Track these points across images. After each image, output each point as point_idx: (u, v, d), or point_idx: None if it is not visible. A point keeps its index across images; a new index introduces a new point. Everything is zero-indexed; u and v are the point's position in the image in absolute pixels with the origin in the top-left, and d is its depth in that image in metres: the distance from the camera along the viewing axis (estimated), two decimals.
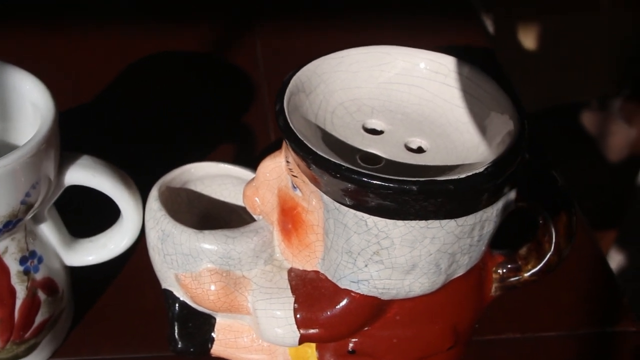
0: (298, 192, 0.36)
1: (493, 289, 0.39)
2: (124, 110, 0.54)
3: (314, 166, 0.33)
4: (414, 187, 0.32)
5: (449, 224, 0.34)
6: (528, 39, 0.91)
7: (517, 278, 0.39)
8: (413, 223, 0.34)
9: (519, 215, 0.38)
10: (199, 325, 0.39)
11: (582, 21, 0.93)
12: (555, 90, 0.98)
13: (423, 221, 0.34)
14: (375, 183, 0.32)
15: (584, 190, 1.05)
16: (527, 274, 0.39)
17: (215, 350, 0.40)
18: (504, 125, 0.36)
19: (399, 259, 0.35)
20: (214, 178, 0.41)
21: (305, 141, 0.34)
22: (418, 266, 0.35)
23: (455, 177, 0.33)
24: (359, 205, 0.33)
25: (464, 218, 0.34)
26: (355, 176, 0.32)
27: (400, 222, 0.34)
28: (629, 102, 1.00)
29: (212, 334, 0.39)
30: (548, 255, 0.38)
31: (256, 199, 0.38)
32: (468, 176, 0.33)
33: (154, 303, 0.41)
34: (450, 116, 0.38)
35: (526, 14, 0.89)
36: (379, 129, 0.38)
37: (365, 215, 0.34)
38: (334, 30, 0.62)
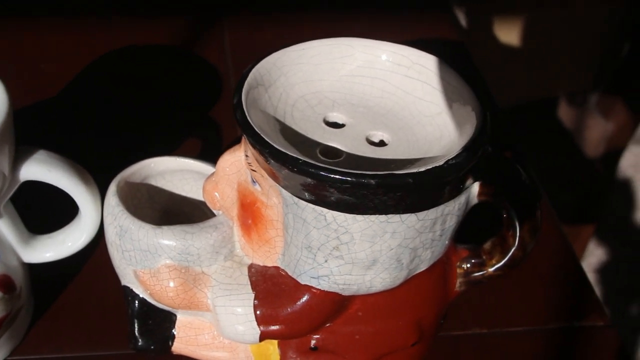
0: (257, 186, 0.35)
1: (458, 284, 0.39)
2: (84, 104, 0.54)
3: (271, 160, 0.33)
4: (373, 181, 0.32)
5: (410, 218, 0.34)
6: (504, 34, 0.91)
7: (481, 273, 0.39)
8: (373, 217, 0.33)
9: (485, 210, 0.38)
10: (159, 323, 0.39)
11: (558, 15, 0.92)
12: (532, 85, 0.98)
13: (383, 215, 0.33)
14: (333, 177, 0.32)
15: (561, 185, 1.05)
16: (491, 269, 0.38)
17: (176, 347, 0.39)
18: (466, 117, 0.35)
19: (359, 254, 0.34)
20: (174, 173, 0.40)
21: (262, 135, 0.33)
22: (379, 261, 0.34)
23: (415, 170, 0.32)
24: (318, 199, 0.33)
25: (425, 212, 0.34)
26: (313, 170, 0.32)
27: (359, 217, 0.33)
28: (605, 97, 1.00)
29: (173, 331, 0.39)
30: (512, 250, 0.38)
31: (216, 193, 0.37)
32: (427, 169, 0.32)
33: (115, 300, 0.40)
34: (413, 109, 0.37)
35: (501, 9, 0.89)
36: (340, 122, 0.37)
37: (324, 210, 0.33)
38: (304, 23, 0.62)
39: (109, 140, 0.52)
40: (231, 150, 0.37)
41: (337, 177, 0.32)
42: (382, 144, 0.36)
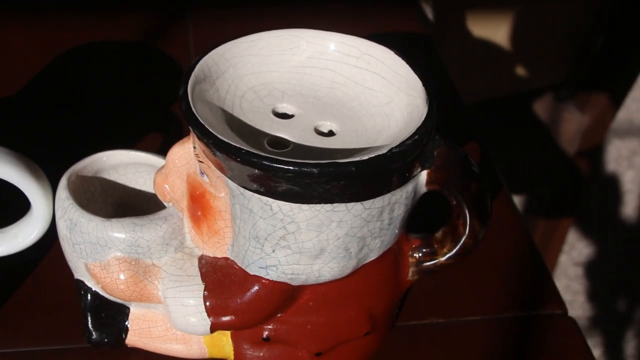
0: (205, 178, 0.35)
1: (410, 274, 0.39)
2: (37, 98, 0.54)
3: (215, 150, 0.33)
4: (315, 170, 0.32)
5: (356, 207, 0.34)
6: (477, 28, 0.91)
7: (433, 262, 0.39)
8: (318, 207, 0.33)
9: (437, 199, 0.38)
10: (112, 315, 0.39)
11: (532, 8, 0.92)
12: (506, 79, 0.98)
13: (328, 204, 0.33)
14: (276, 167, 0.32)
15: (538, 179, 1.05)
16: (443, 258, 0.39)
17: (130, 340, 0.39)
18: (414, 107, 0.36)
19: (306, 244, 0.34)
20: (128, 166, 0.40)
21: (206, 125, 0.33)
22: (326, 250, 0.34)
23: (357, 159, 0.32)
24: (263, 189, 0.33)
25: (371, 201, 0.34)
26: (256, 160, 0.32)
27: (305, 206, 0.33)
28: (581, 90, 1.00)
29: (126, 323, 0.39)
30: (463, 239, 0.38)
31: (166, 186, 0.37)
32: (370, 158, 0.32)
33: (69, 294, 0.40)
34: (362, 99, 0.38)
35: (474, 2, 0.89)
36: (289, 113, 0.37)
37: (270, 200, 0.33)
38: (269, 18, 0.62)
39: (61, 134, 0.51)
40: (180, 142, 0.37)
41: (280, 166, 0.32)
42: (330, 134, 0.36)
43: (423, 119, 0.34)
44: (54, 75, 0.56)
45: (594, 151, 1.03)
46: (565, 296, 1.35)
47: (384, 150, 0.33)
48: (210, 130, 0.33)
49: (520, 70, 0.97)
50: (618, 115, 1.64)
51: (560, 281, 1.37)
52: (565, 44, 0.98)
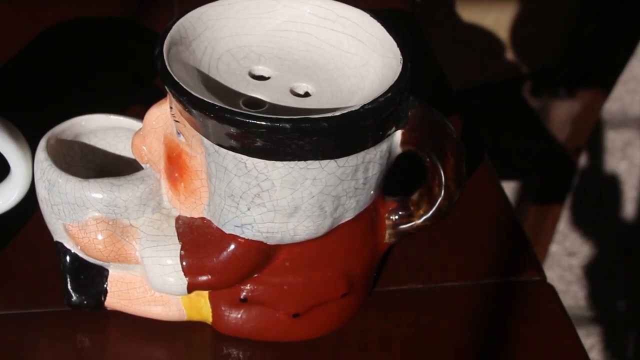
0: (182, 137, 0.36)
1: (387, 236, 0.39)
2: (18, 63, 0.54)
3: (189, 107, 0.33)
4: (288, 126, 0.32)
5: (330, 165, 0.34)
6: (467, 13, 0.91)
7: (410, 224, 0.39)
8: (292, 164, 0.33)
9: (416, 164, 0.38)
10: (91, 278, 0.39)
11: None
12: (496, 64, 0.98)
13: (302, 162, 0.33)
14: (248, 122, 0.32)
15: (527, 165, 1.06)
16: (419, 220, 0.39)
17: (109, 302, 0.39)
18: (389, 68, 0.36)
19: (281, 202, 0.34)
20: (107, 131, 0.40)
21: (180, 82, 0.33)
22: (301, 209, 0.35)
23: (330, 115, 0.32)
24: (237, 147, 0.33)
25: (344, 159, 0.34)
26: (228, 116, 0.32)
27: (279, 163, 0.33)
28: (571, 75, 1.00)
29: (105, 285, 0.39)
30: (439, 200, 0.38)
31: (143, 147, 0.38)
32: (343, 114, 0.33)
33: (50, 258, 0.40)
34: (338, 61, 0.38)
35: None
36: (266, 75, 0.38)
37: (244, 157, 0.34)
38: None
39: (41, 98, 0.52)
40: (158, 104, 0.37)
41: (253, 122, 0.32)
42: (306, 95, 0.37)
43: (396, 78, 0.34)
44: (37, 43, 0.56)
45: (585, 138, 1.03)
46: (559, 286, 1.35)
47: (357, 107, 0.33)
48: (185, 87, 0.33)
49: (510, 56, 0.97)
50: (612, 106, 1.65)
51: (554, 271, 1.37)
52: (556, 29, 0.98)
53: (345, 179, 0.35)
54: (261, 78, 0.37)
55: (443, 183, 0.37)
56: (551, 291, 0.44)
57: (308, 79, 0.37)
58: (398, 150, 0.36)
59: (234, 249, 0.36)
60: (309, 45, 0.38)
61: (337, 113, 0.33)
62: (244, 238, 0.36)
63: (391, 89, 0.34)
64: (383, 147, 0.35)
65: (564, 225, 1.43)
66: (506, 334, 0.42)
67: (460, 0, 0.90)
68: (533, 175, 1.08)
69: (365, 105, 0.33)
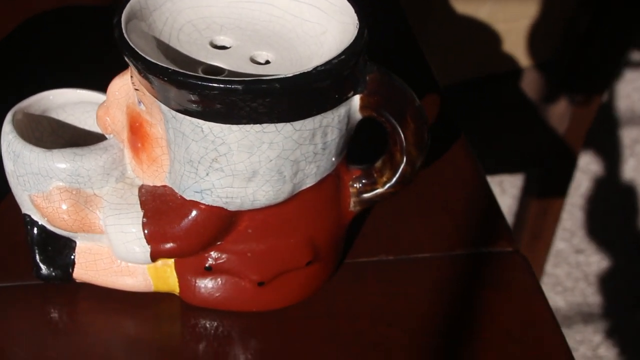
0: (142, 106, 0.36)
1: (352, 204, 0.39)
2: None
3: (144, 72, 0.33)
4: (240, 87, 0.32)
5: (286, 128, 0.34)
6: (463, 5, 0.91)
7: (374, 192, 0.39)
8: (248, 127, 0.34)
9: (383, 133, 0.38)
10: (59, 249, 0.39)
11: None
12: (492, 58, 0.98)
13: (257, 125, 0.34)
14: (201, 84, 0.32)
15: (527, 159, 1.05)
16: (383, 188, 0.39)
17: (77, 274, 0.40)
18: (347, 33, 0.36)
19: (238, 166, 0.35)
20: (76, 105, 0.41)
21: (136, 48, 0.34)
22: (259, 173, 0.35)
23: (282, 76, 0.33)
24: (193, 111, 0.34)
25: (301, 122, 0.34)
26: (182, 79, 0.33)
27: (234, 127, 0.34)
28: (569, 68, 1.00)
29: (73, 257, 0.39)
30: (401, 166, 0.38)
31: (107, 118, 0.38)
32: (295, 75, 0.33)
33: (21, 232, 0.41)
34: (299, 30, 0.38)
35: None
36: (227, 45, 0.38)
37: (201, 122, 0.34)
38: None
39: (8, 73, 0.52)
40: (120, 75, 0.38)
41: (206, 84, 0.32)
42: (266, 63, 0.37)
43: (351, 42, 0.35)
44: (5, 18, 0.56)
45: (585, 129, 1.03)
46: (567, 283, 1.35)
47: (309, 68, 0.33)
48: (140, 53, 0.33)
49: (507, 48, 0.97)
50: (620, 104, 1.64)
51: (561, 268, 1.37)
52: (553, 21, 0.98)
53: (303, 143, 0.35)
54: (222, 48, 0.38)
55: (404, 148, 0.37)
56: (523, 261, 0.44)
57: (269, 48, 0.37)
58: (357, 115, 0.37)
59: (195, 215, 0.36)
60: (270, 15, 0.39)
61: (290, 74, 0.33)
62: (204, 204, 0.36)
63: (345, 51, 0.34)
64: (341, 111, 0.36)
65: (571, 223, 1.42)
66: (477, 303, 0.42)
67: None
68: (534, 168, 1.08)
69: (318, 67, 0.33)
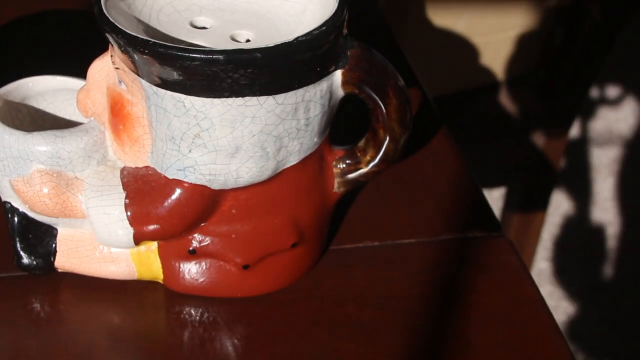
0: (123, 85, 0.36)
1: (336, 185, 0.39)
2: None
3: (125, 46, 0.33)
4: (221, 57, 0.32)
5: (268, 102, 0.34)
6: (440, 18, 0.92)
7: (358, 171, 0.39)
8: (230, 101, 0.34)
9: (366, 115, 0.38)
10: (40, 237, 0.39)
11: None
12: (471, 71, 0.99)
13: (240, 98, 0.34)
14: (182, 55, 0.32)
15: (507, 172, 1.06)
16: (367, 167, 0.39)
17: (59, 262, 0.39)
18: (327, 9, 0.36)
19: (221, 141, 0.34)
20: (56, 93, 0.41)
21: (116, 23, 0.34)
22: (242, 148, 0.35)
23: (263, 46, 0.33)
24: (174, 85, 0.33)
25: (283, 95, 0.34)
26: (162, 50, 0.32)
27: (217, 101, 0.34)
28: (548, 80, 1.01)
29: (54, 245, 0.39)
30: (385, 144, 0.38)
31: (88, 101, 0.38)
32: (276, 45, 0.33)
33: (2, 222, 0.40)
34: (279, 10, 0.38)
35: None
36: (207, 26, 0.38)
37: (182, 96, 0.34)
38: None
39: None
40: (100, 56, 0.38)
41: (186, 54, 0.32)
42: (247, 42, 0.37)
43: (332, 15, 0.35)
44: None
45: (564, 143, 1.03)
46: (550, 302, 1.35)
47: (290, 39, 0.33)
48: (120, 27, 0.33)
49: (484, 63, 0.98)
50: (597, 125, 1.65)
51: (544, 287, 1.37)
52: (530, 35, 0.99)
53: (286, 118, 0.35)
54: (202, 29, 0.38)
55: (387, 125, 0.37)
56: (508, 244, 0.43)
57: (249, 27, 0.37)
58: (340, 92, 0.37)
59: (178, 194, 0.36)
60: None
61: (271, 44, 0.33)
62: (187, 182, 0.36)
63: (326, 22, 0.34)
64: (323, 86, 0.35)
65: (553, 242, 1.42)
66: (464, 285, 0.41)
67: (431, 6, 0.91)
68: (514, 183, 1.08)
69: (299, 37, 0.33)
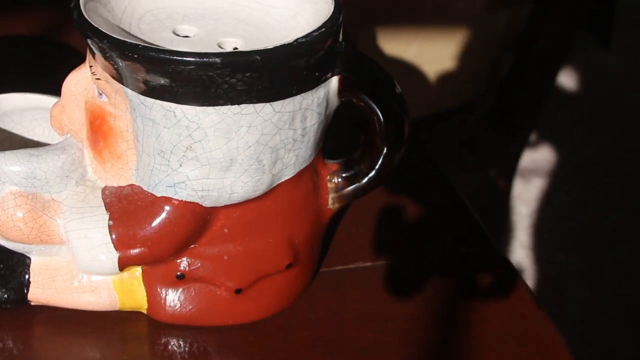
0: (104, 97, 0.33)
1: (330, 201, 0.37)
2: None
3: (110, 52, 0.31)
4: (218, 60, 0.30)
5: (265, 109, 0.32)
6: (388, 45, 0.91)
7: (354, 186, 0.37)
8: (225, 109, 0.31)
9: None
10: (12, 267, 0.36)
11: (445, 26, 0.93)
12: (420, 98, 0.98)
13: (235, 106, 0.31)
14: (176, 59, 0.30)
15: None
16: (364, 180, 0.37)
17: (33, 294, 0.36)
18: (320, 13, 0.34)
19: (215, 153, 0.32)
20: (23, 113, 0.38)
21: (100, 27, 0.31)
22: (237, 161, 0.32)
23: (262, 48, 0.31)
24: (164, 94, 0.31)
25: (280, 103, 0.32)
26: (154, 54, 0.30)
27: (210, 109, 0.31)
28: (496, 107, 1.01)
29: (27, 275, 0.35)
30: (382, 155, 0.36)
31: (63, 117, 0.35)
32: (276, 47, 0.31)
33: None
34: (266, 17, 0.36)
35: (384, 20, 0.89)
36: (191, 34, 0.35)
37: (173, 105, 0.31)
38: None
39: None
40: (77, 69, 0.35)
41: (181, 58, 0.30)
42: (234, 50, 0.35)
43: (329, 15, 0.33)
44: None
45: (513, 170, 1.03)
46: None
47: (290, 40, 0.31)
48: (105, 31, 0.31)
49: (435, 90, 0.97)
50: (537, 156, 1.67)
51: None
52: (478, 61, 0.98)
53: (283, 127, 0.33)
54: (186, 37, 0.35)
55: (384, 135, 0.35)
56: (504, 261, 0.42)
57: (236, 35, 0.35)
58: (336, 100, 0.35)
59: (167, 213, 0.33)
60: (234, 4, 0.37)
61: (270, 46, 0.31)
62: (177, 200, 0.33)
63: (325, 24, 0.32)
64: (320, 93, 0.33)
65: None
66: (461, 300, 0.39)
67: (382, 34, 0.90)
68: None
69: (299, 38, 0.31)
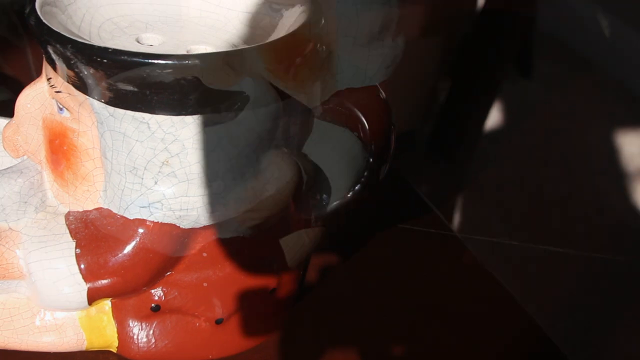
0: (65, 112, 0.30)
1: (313, 218, 0.34)
2: None
3: (76, 57, 0.28)
4: (197, 62, 0.27)
5: (248, 118, 0.29)
6: None
7: (337, 201, 0.34)
8: (204, 118, 0.28)
9: None
10: None
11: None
12: None
13: (216, 114, 0.28)
14: (152, 62, 0.27)
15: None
16: (348, 194, 0.34)
17: None
18: (298, 18, 0.32)
19: (193, 168, 0.29)
20: None
21: (62, 32, 0.28)
22: (218, 176, 0.29)
23: (246, 47, 0.28)
24: (137, 103, 0.28)
25: (263, 110, 0.29)
26: (126, 57, 0.27)
27: (188, 118, 0.28)
28: (433, 136, 1.00)
29: None
30: (367, 169, 0.34)
31: (18, 137, 0.31)
32: (260, 45, 0.28)
33: None
34: (237, 23, 0.34)
35: None
36: (156, 43, 0.33)
37: (147, 116, 0.28)
38: None
39: None
40: (31, 84, 0.32)
41: (158, 62, 0.27)
42: None
43: (306, 18, 0.31)
44: None
45: (452, 200, 1.02)
46: None
47: (273, 39, 0.29)
48: (68, 35, 0.28)
49: None
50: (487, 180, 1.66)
51: None
52: (416, 89, 0.97)
53: (266, 137, 0.30)
54: (151, 46, 0.32)
55: (369, 143, 0.33)
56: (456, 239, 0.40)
57: (205, 42, 0.32)
58: (320, 108, 0.32)
59: (141, 236, 0.30)
60: (200, 10, 0.34)
61: (259, 43, 0.28)
62: (152, 221, 0.30)
63: (308, 21, 0.30)
64: (302, 98, 0.31)
65: None
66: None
67: None
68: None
69: (284, 36, 0.29)
